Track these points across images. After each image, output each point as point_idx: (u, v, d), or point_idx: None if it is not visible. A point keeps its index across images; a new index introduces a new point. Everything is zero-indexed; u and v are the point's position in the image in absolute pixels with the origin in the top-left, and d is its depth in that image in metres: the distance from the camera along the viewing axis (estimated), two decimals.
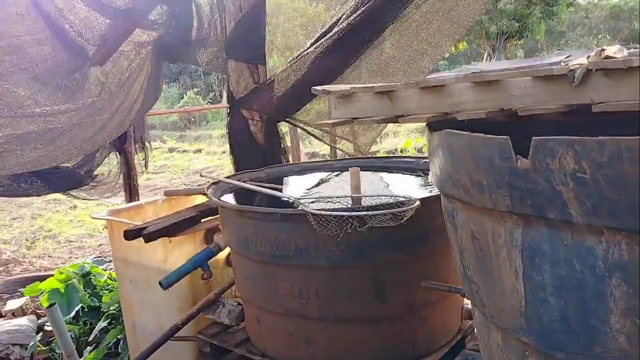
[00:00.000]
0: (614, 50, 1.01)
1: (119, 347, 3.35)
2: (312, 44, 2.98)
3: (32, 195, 4.56)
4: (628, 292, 0.78)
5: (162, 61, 4.43)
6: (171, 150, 16.68)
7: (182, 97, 25.03)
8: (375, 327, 1.86)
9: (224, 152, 15.56)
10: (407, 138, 11.03)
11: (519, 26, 20.16)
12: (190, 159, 15.17)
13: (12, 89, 3.26)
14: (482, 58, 20.72)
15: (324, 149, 12.01)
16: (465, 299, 2.17)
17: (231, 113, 3.00)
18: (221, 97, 26.33)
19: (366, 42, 2.75)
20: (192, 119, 23.19)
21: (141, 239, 2.24)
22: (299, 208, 1.75)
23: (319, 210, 1.64)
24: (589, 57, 1.03)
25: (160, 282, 2.15)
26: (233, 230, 1.99)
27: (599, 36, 27.08)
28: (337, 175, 2.62)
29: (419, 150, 10.17)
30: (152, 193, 9.92)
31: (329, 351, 1.87)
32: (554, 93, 1.00)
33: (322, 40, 2.76)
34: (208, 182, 2.33)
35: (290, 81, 2.84)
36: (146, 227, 2.17)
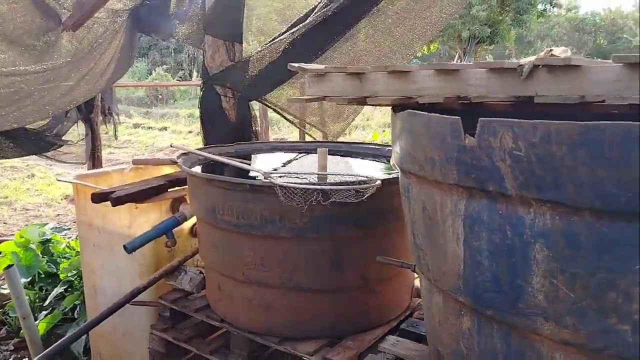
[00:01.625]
0: (560, 51, 1.15)
1: (75, 312, 3.38)
2: (288, 29, 3.06)
3: (3, 157, 4.49)
4: (548, 256, 0.91)
5: (137, 32, 4.41)
6: (136, 125, 16.40)
7: (151, 73, 24.57)
8: (331, 297, 1.97)
9: (190, 131, 15.42)
10: (375, 132, 11.20)
11: (490, 32, 20.64)
12: (155, 136, 14.97)
13: None
14: (454, 60, 21.11)
15: (292, 136, 12.09)
16: (416, 278, 2.32)
17: (204, 88, 3.05)
18: (191, 76, 25.94)
19: (341, 32, 2.85)
20: (160, 96, 22.80)
21: (108, 203, 2.29)
22: (267, 180, 1.84)
23: (286, 182, 1.74)
24: (538, 55, 1.16)
25: (124, 246, 2.20)
26: (201, 199, 2.07)
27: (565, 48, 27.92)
28: (305, 156, 2.72)
29: (385, 144, 10.36)
30: (109, 167, 9.78)
31: (286, 318, 1.98)
32: (504, 85, 1.12)
33: (298, 26, 2.84)
34: (178, 152, 2.39)
35: (265, 62, 2.91)
36: (114, 192, 2.22)
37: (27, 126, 4.51)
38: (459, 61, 20.40)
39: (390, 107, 1.40)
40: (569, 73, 1.05)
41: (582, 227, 0.86)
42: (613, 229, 0.84)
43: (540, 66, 1.09)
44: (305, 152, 2.78)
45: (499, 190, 0.94)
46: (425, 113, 1.06)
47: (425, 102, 1.22)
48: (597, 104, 1.04)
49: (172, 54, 28.42)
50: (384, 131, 11.45)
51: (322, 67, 1.42)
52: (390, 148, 2.66)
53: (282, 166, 2.57)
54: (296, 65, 1.43)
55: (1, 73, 3.49)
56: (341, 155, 2.70)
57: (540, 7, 22.46)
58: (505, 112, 1.35)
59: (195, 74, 26.04)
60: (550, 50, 1.18)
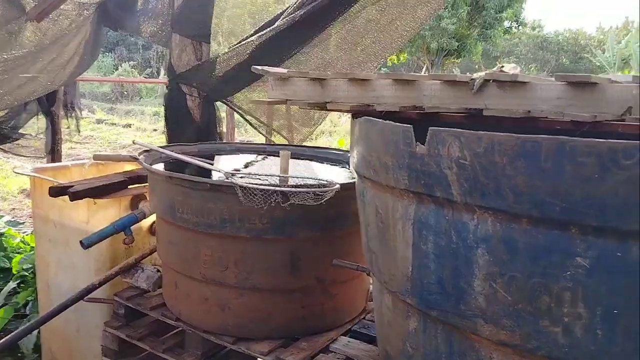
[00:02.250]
0: (509, 68, 1.21)
1: (28, 308, 3.30)
2: (256, 32, 3.08)
3: None
4: (489, 261, 0.96)
5: (104, 26, 4.34)
6: (99, 121, 16.05)
7: (117, 69, 24.09)
8: (287, 298, 2.00)
9: (154, 129, 15.18)
10: (341, 138, 11.29)
11: (458, 45, 21.10)
12: (119, 133, 14.68)
13: None
14: (422, 70, 21.50)
15: (258, 138, 12.06)
16: (370, 282, 2.37)
17: (170, 86, 3.04)
18: (158, 73, 25.56)
19: (309, 38, 2.89)
20: (125, 93, 22.39)
21: (65, 197, 2.26)
22: (228, 180, 1.85)
23: (246, 183, 1.76)
24: (488, 71, 1.22)
25: (81, 242, 2.17)
26: (161, 197, 2.06)
27: (529, 65, 28.86)
28: (267, 158, 2.74)
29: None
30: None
31: (241, 318, 2.00)
32: (457, 97, 1.18)
33: (266, 30, 2.87)
34: (139, 149, 2.37)
35: (232, 63, 2.92)
36: (73, 186, 2.19)
37: None
38: (426, 72, 20.79)
39: (350, 114, 1.44)
40: (517, 89, 1.11)
41: (520, 234, 0.92)
42: (548, 237, 0.89)
43: (491, 81, 1.14)
44: (268, 155, 2.80)
45: (446, 196, 0.99)
46: (380, 120, 1.11)
47: (383, 110, 1.27)
48: (551, 120, 1.11)
49: (140, 51, 27.95)
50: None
51: (285, 71, 1.45)
52: None
53: (244, 167, 2.58)
54: (260, 67, 1.46)
55: None
56: (304, 159, 2.73)
57: (506, 23, 23.10)
58: (461, 124, 1.40)
59: (162, 71, 25.64)
60: (502, 66, 1.24)
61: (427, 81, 1.22)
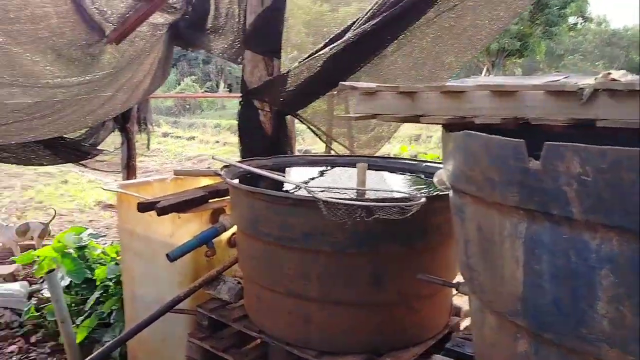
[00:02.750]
0: (619, 75, 1.14)
1: (112, 318, 3.44)
2: (326, 45, 3.10)
3: (39, 164, 4.63)
4: (615, 283, 0.90)
5: (175, 45, 4.51)
6: (165, 135, 16.70)
7: (179, 84, 25.00)
8: (370, 312, 1.98)
9: (217, 141, 15.65)
10: (401, 144, 11.19)
11: (520, 45, 20.47)
12: (184, 145, 15.22)
13: (30, 57, 3.33)
14: (481, 72, 20.99)
15: (316, 147, 12.14)
16: (454, 296, 2.31)
17: (243, 102, 3.10)
18: (217, 86, 26.35)
19: (380, 49, 2.86)
20: (187, 106, 23.20)
21: (151, 212, 2.34)
22: (310, 195, 1.86)
23: (329, 197, 1.75)
24: (596, 78, 1.16)
25: (167, 255, 2.25)
26: (243, 211, 2.10)
27: (596, 63, 27.54)
28: (340, 170, 2.74)
29: (414, 157, 10.34)
30: (144, 175, 9.97)
31: (324, 331, 1.99)
32: (564, 107, 1.12)
33: (337, 42, 2.87)
34: (206, 162, 2.43)
35: (302, 77, 2.94)
36: (159, 202, 2.27)
37: (65, 135, 4.65)
38: (487, 74, 20.26)
39: (441, 126, 1.41)
40: (632, 97, 1.04)
41: None
42: None
43: (601, 90, 1.08)
44: (341, 166, 2.79)
45: (564, 214, 0.94)
46: (485, 134, 1.07)
47: (480, 123, 1.23)
48: None
49: (200, 65, 28.89)
50: (410, 143, 11.44)
51: (373, 85, 1.44)
52: (428, 164, 2.67)
53: (319, 180, 2.58)
54: (347, 83, 1.45)
55: (48, 85, 3.62)
56: (376, 170, 2.71)
57: (570, 20, 22.21)
58: (560, 134, 1.34)
59: (222, 84, 26.44)
60: (609, 73, 1.18)
61: (530, 91, 1.18)
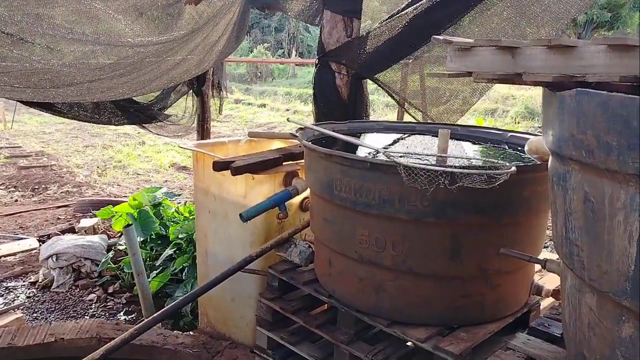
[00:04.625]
0: None
1: (184, 274, 3.56)
2: (408, 5, 2.95)
3: (110, 124, 4.80)
4: None
5: (251, 6, 4.48)
6: (237, 101, 17.01)
7: (252, 51, 25.28)
8: (446, 285, 1.89)
9: (287, 109, 15.75)
10: (476, 117, 10.77)
11: (610, 16, 19.00)
12: (255, 112, 15.44)
13: (114, 15, 3.41)
14: None
15: (387, 117, 11.94)
16: (536, 274, 2.18)
17: (319, 64, 3.03)
18: (290, 54, 26.43)
19: (467, 9, 2.69)
20: (259, 74, 23.45)
21: (225, 172, 2.35)
22: (390, 159, 1.78)
23: (411, 163, 1.67)
24: None
25: (240, 215, 2.25)
26: (318, 174, 2.05)
27: None
28: (418, 137, 2.63)
29: None
30: (215, 139, 10.23)
31: (396, 301, 1.93)
32: None
33: (421, 2, 2.73)
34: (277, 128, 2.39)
35: (383, 39, 2.83)
36: (234, 161, 2.27)
37: (136, 99, 4.77)
38: None
39: (542, 87, 1.28)
40: None
41: None
42: None
43: None
44: (419, 133, 2.68)
45: None
46: (604, 92, 0.95)
47: (594, 82, 1.10)
48: None
49: (273, 33, 29.01)
50: (487, 117, 10.98)
51: (469, 40, 1.32)
52: (513, 134, 2.50)
53: (397, 146, 2.49)
54: (441, 37, 1.35)
55: (128, 44, 3.70)
56: (456, 140, 2.58)
57: None
58: None
59: (294, 52, 26.48)
60: None
61: None
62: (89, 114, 4.62)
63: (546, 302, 2.31)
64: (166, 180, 7.42)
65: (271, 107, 16.41)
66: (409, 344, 2.01)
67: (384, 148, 2.18)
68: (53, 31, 3.21)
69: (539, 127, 10.98)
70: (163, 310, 2.27)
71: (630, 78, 1.06)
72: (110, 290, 3.86)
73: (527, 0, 2.76)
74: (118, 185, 7.15)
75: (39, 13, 3.15)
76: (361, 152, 2.21)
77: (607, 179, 0.99)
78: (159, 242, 4.05)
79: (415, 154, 2.00)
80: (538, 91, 1.53)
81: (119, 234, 4.45)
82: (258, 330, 2.37)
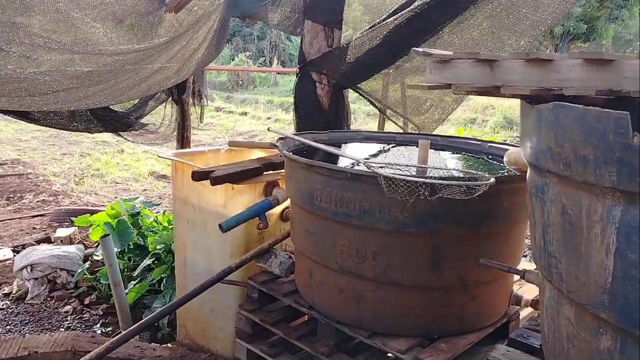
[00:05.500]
0: None
1: (162, 284, 3.50)
2: (389, 16, 2.97)
3: (87, 132, 4.72)
4: None
5: (232, 15, 4.47)
6: (218, 109, 16.90)
7: (233, 59, 25.22)
8: (426, 296, 1.89)
9: (268, 117, 15.71)
10: (456, 127, 10.88)
11: (586, 28, 19.43)
12: (236, 121, 15.37)
13: (92, 24, 3.37)
14: None
15: (368, 126, 11.99)
16: (515, 284, 2.19)
17: (300, 74, 3.03)
18: (271, 63, 26.44)
19: (447, 20, 2.72)
20: (241, 82, 23.39)
21: (205, 182, 2.33)
22: (370, 170, 1.78)
23: (391, 173, 1.67)
24: None
25: (220, 225, 2.23)
26: (298, 184, 2.04)
27: None
28: (398, 148, 2.64)
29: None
30: (196, 148, 10.13)
31: (377, 312, 1.93)
32: None
33: (402, 12, 2.75)
34: (258, 138, 2.38)
35: (364, 49, 2.84)
36: (214, 171, 2.24)
37: (113, 107, 4.71)
38: None
39: (520, 99, 1.30)
40: None
41: None
42: None
43: None
44: (399, 144, 2.69)
45: None
46: (581, 106, 0.96)
47: (571, 95, 1.11)
48: None
49: (255, 41, 29.01)
50: (466, 127, 11.10)
51: (448, 52, 1.33)
52: (492, 145, 2.53)
53: (376, 155, 2.50)
54: (421, 50, 1.35)
55: (106, 51, 3.66)
56: (436, 149, 2.59)
57: None
58: None
59: (275, 61, 26.49)
60: None
61: (630, 62, 1.05)
62: (65, 121, 4.54)
63: (525, 312, 2.32)
64: (145, 189, 7.33)
65: (252, 115, 16.35)
66: (389, 355, 2.01)
67: (365, 158, 2.18)
68: (30, 39, 3.16)
69: (518, 137, 11.14)
70: (140, 322, 2.23)
71: (606, 92, 1.08)
72: (87, 301, 3.78)
73: (506, 10, 2.80)
74: (96, 194, 7.03)
75: (15, 22, 3.09)
76: (342, 163, 2.21)
77: (584, 191, 0.99)
78: (137, 252, 3.99)
79: (396, 164, 2.00)
80: (516, 101, 1.54)
81: (96, 244, 4.37)
82: (237, 342, 2.34)
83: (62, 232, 4.90)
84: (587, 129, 0.94)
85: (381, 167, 1.92)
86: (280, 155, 2.48)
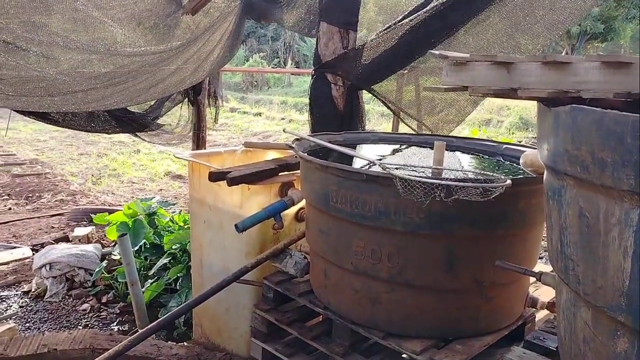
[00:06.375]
0: None
1: (178, 284, 3.54)
2: (405, 17, 2.98)
3: (104, 132, 4.78)
4: None
5: (247, 17, 4.51)
6: (232, 110, 17.01)
7: (248, 60, 25.34)
8: (442, 297, 1.90)
9: (282, 118, 15.77)
10: (471, 128, 10.82)
11: (603, 28, 19.20)
12: (250, 121, 15.45)
13: (110, 24, 3.41)
14: None
15: (381, 127, 11.98)
16: (530, 286, 2.18)
17: (315, 75, 3.05)
18: (285, 64, 26.53)
19: (463, 22, 2.72)
20: (255, 83, 23.50)
21: (221, 182, 2.35)
22: (386, 171, 1.78)
23: (406, 175, 1.67)
24: None
25: (236, 225, 2.25)
26: (314, 185, 2.06)
27: None
28: (414, 149, 2.64)
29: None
30: (212, 148, 10.21)
31: (392, 313, 1.93)
32: None
33: (418, 13, 2.75)
34: (272, 138, 2.40)
35: (380, 50, 2.85)
36: (230, 172, 2.27)
37: (130, 108, 4.76)
38: None
39: (537, 102, 1.29)
40: None
41: None
42: None
43: None
44: (415, 145, 2.69)
45: None
46: (598, 109, 0.96)
47: (588, 98, 1.11)
48: None
49: (269, 42, 29.11)
50: (481, 128, 11.04)
51: (465, 55, 1.33)
52: (508, 146, 2.52)
53: (392, 158, 2.50)
54: (437, 52, 1.36)
55: (124, 52, 3.70)
56: (452, 150, 2.59)
57: None
58: None
59: (290, 62, 26.58)
60: None
61: None
62: (83, 122, 4.61)
63: (541, 315, 2.31)
64: (161, 189, 7.40)
65: (267, 115, 16.43)
66: (404, 356, 2.01)
67: (380, 160, 2.19)
68: (49, 39, 3.21)
69: (534, 138, 11.05)
70: (157, 321, 2.26)
71: (624, 95, 1.08)
72: (104, 300, 3.84)
73: (522, 12, 2.79)
74: (112, 193, 7.12)
75: (35, 21, 3.14)
76: (357, 164, 2.22)
77: (601, 194, 0.99)
78: (154, 251, 4.03)
79: (411, 165, 2.00)
80: (532, 102, 1.54)
81: (113, 243, 4.43)
82: (253, 341, 2.36)
83: (79, 231, 4.97)
84: (604, 132, 0.94)
85: (397, 169, 1.93)
86: (296, 156, 2.50)
